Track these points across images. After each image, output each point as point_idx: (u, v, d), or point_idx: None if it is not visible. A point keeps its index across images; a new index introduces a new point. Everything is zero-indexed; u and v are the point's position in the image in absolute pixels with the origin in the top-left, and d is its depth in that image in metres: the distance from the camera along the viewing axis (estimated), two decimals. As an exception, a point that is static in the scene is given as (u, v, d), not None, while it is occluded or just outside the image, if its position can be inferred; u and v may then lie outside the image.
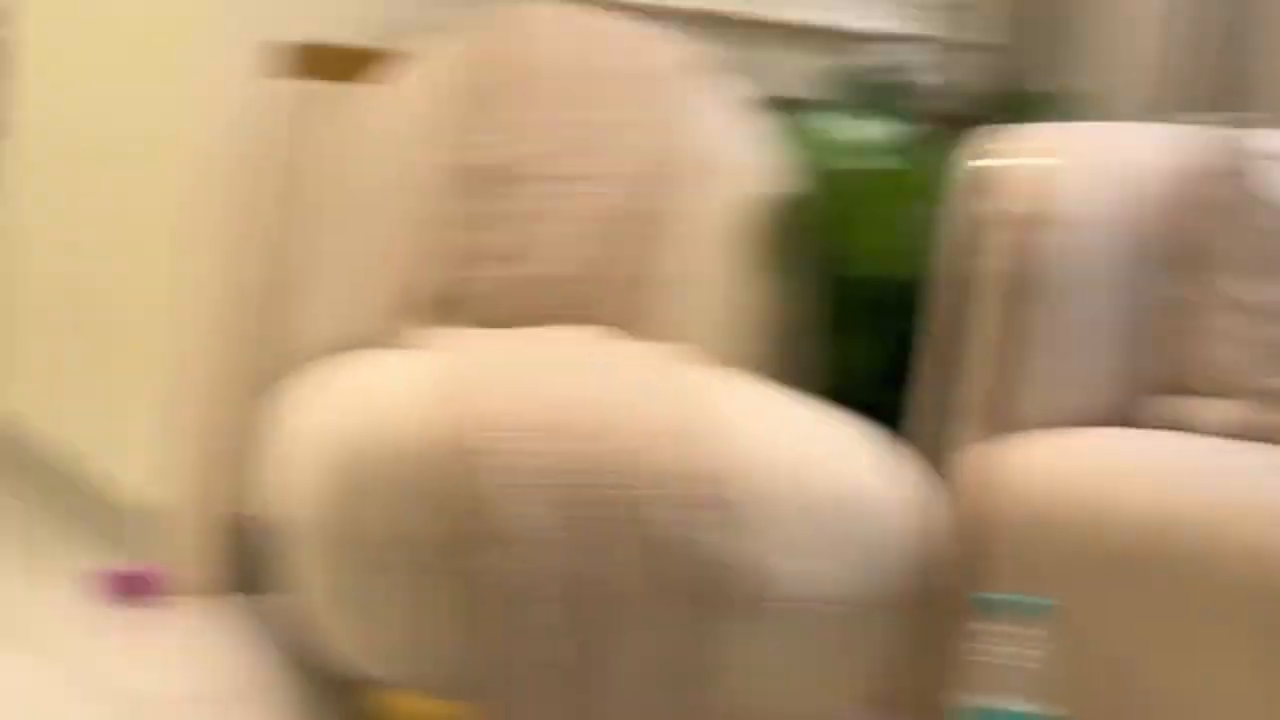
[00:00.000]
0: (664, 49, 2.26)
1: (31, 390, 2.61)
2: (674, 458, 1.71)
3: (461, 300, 2.11)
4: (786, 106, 2.27)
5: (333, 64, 2.15)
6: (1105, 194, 1.93)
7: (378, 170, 2.18)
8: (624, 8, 2.29)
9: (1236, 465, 1.72)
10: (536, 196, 2.17)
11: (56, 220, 2.57)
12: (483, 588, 1.65)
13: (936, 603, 1.77)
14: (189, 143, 2.14)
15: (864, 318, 2.20)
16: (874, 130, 2.25)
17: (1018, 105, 2.30)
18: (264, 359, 2.11)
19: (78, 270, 2.49)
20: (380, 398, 1.74)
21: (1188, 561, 1.58)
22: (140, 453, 2.23)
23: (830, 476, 1.76)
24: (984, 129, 1.98)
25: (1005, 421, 1.81)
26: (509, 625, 1.67)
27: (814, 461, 1.76)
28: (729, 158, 2.26)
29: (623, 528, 1.67)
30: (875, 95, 2.37)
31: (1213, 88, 2.40)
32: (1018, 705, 1.38)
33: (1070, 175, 1.89)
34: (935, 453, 1.86)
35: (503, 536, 1.63)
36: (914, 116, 2.34)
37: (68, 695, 1.75)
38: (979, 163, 1.93)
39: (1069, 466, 1.77)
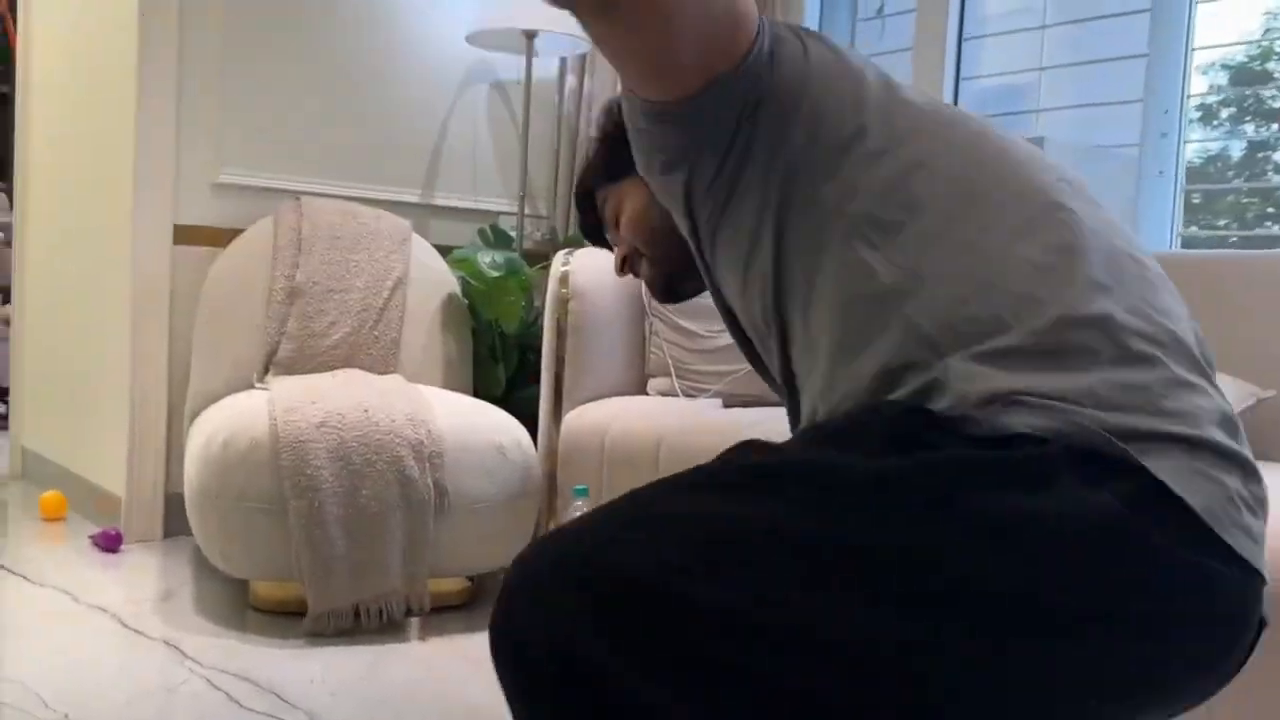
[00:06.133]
0: (384, 219, 2.94)
1: (44, 426, 3.30)
2: (408, 427, 2.27)
3: (288, 360, 2.66)
4: (450, 249, 3.01)
5: (202, 237, 2.95)
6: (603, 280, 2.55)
7: (240, 286, 2.72)
8: (360, 200, 3.06)
9: (680, 409, 2.37)
10: (324, 300, 2.75)
11: (60, 322, 3.24)
12: (300, 517, 2.17)
13: (548, 494, 2.47)
14: (132, 276, 2.87)
15: (501, 353, 2.93)
16: (499, 256, 2.90)
17: (565, 244, 2.93)
18: (183, 400, 2.77)
19: (71, 353, 3.16)
20: (241, 415, 2.28)
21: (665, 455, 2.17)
22: (110, 459, 2.96)
23: (484, 433, 2.38)
24: (557, 255, 2.60)
25: (570, 400, 2.55)
26: (317, 537, 2.17)
27: (476, 427, 2.38)
28: (424, 273, 2.92)
29: (383, 470, 2.20)
30: (499, 239, 3.13)
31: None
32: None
33: (582, 274, 2.56)
34: (548, 415, 2.56)
35: (310, 486, 2.16)
36: (521, 248, 3.07)
37: (69, 606, 2.32)
38: (556, 269, 2.60)
39: (599, 415, 2.40)
